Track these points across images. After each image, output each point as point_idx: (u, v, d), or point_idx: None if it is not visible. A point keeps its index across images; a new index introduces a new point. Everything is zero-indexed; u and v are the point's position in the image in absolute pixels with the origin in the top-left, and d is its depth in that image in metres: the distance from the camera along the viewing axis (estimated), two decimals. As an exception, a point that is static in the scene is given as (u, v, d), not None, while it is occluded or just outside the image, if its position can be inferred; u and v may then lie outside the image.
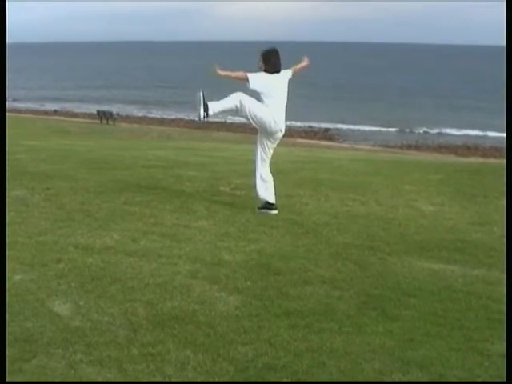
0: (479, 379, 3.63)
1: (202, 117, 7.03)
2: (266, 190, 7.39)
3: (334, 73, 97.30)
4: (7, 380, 3.35)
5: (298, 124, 43.15)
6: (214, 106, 7.08)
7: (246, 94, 7.14)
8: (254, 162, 7.51)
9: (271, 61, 7.26)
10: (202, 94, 7.02)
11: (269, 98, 7.13)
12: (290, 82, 7.42)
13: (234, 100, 7.10)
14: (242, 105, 7.07)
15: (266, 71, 7.23)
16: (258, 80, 7.12)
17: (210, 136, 32.15)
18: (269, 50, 7.34)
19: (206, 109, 7.03)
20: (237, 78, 7.20)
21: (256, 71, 7.25)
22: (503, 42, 5.62)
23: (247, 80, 7.07)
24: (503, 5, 5.67)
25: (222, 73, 7.14)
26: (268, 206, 7.39)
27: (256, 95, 7.16)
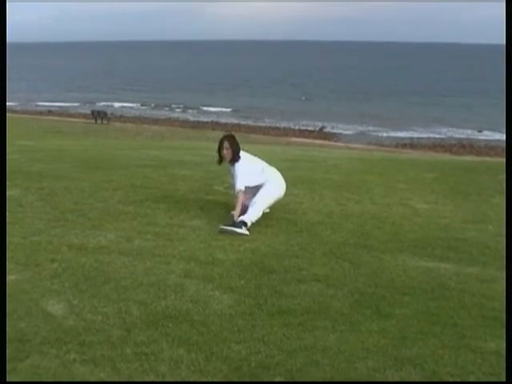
0: (472, 376, 3.64)
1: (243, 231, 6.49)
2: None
3: (330, 72, 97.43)
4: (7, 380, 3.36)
5: (293, 122, 43.23)
6: (252, 216, 6.66)
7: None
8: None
9: (238, 147, 7.04)
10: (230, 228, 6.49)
11: (264, 173, 6.99)
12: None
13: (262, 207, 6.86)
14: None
15: (236, 159, 6.96)
16: (245, 177, 6.90)
17: (204, 135, 32.11)
18: (233, 135, 7.19)
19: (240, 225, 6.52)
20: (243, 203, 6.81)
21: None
22: (500, 41, 5.65)
23: (241, 191, 6.82)
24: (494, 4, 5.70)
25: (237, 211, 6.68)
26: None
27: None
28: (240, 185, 6.86)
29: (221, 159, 7.09)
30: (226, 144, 6.99)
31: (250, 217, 6.62)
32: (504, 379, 3.47)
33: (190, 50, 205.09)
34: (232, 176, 7.05)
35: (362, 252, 5.99)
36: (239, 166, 6.96)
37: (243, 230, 6.44)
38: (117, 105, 55.86)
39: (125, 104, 57.24)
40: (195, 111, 54.10)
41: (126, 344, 3.85)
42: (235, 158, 6.99)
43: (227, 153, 6.97)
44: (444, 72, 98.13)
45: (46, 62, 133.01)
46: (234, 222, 6.52)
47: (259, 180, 6.99)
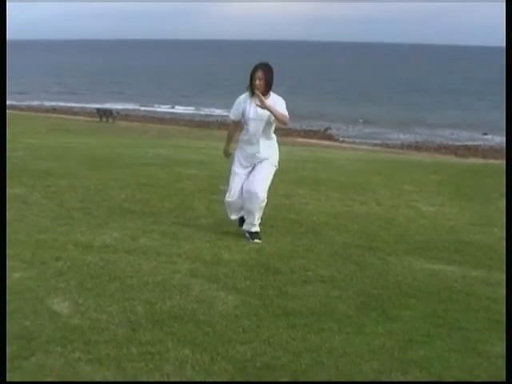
0: (478, 380, 3.62)
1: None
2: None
3: (334, 73, 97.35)
4: (7, 379, 3.34)
5: (298, 123, 43.16)
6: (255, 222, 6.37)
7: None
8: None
9: (272, 79, 6.21)
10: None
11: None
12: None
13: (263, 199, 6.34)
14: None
15: (269, 91, 6.21)
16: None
17: (210, 134, 32.06)
18: (268, 64, 6.27)
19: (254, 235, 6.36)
20: (280, 117, 6.18)
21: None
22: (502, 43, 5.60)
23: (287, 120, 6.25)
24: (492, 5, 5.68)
25: (267, 105, 6.03)
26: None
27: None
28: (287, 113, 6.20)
29: (252, 91, 6.15)
30: (259, 74, 6.08)
31: (255, 225, 6.39)
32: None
33: (192, 49, 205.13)
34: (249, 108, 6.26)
35: (368, 253, 5.98)
36: (278, 97, 6.26)
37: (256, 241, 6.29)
38: (122, 103, 55.81)
39: (129, 103, 57.16)
40: (200, 111, 54.07)
41: (131, 343, 3.84)
42: (269, 89, 6.17)
43: (260, 84, 6.07)
44: (446, 74, 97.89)
45: (53, 59, 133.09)
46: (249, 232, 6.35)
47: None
